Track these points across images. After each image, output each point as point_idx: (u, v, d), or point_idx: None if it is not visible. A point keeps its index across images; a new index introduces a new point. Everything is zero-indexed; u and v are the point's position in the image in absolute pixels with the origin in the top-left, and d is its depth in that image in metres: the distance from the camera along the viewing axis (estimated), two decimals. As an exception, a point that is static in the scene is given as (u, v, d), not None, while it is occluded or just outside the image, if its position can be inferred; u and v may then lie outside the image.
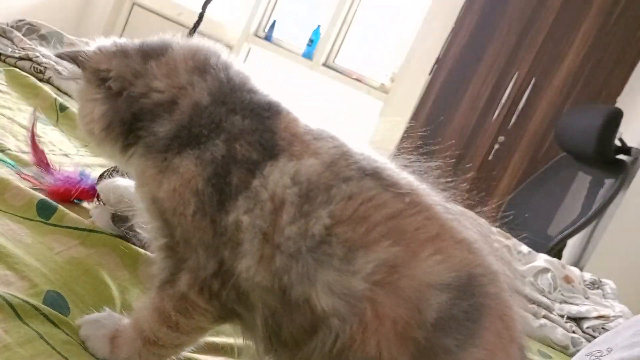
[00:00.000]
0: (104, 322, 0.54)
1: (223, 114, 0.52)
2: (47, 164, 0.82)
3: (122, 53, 0.59)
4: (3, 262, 0.56)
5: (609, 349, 0.62)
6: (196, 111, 0.53)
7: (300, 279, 0.45)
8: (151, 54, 0.58)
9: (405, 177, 0.52)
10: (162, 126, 0.54)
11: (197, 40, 0.61)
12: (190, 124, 0.52)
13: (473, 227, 0.52)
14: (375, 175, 0.49)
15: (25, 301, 0.50)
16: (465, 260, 0.47)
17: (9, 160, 0.83)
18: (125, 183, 0.71)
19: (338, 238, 0.45)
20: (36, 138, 0.84)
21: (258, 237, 0.47)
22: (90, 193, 0.79)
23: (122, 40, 0.62)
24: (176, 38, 0.61)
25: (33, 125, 0.84)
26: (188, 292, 0.50)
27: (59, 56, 0.61)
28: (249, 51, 3.85)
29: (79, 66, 0.59)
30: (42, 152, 0.83)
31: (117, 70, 0.57)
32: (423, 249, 0.46)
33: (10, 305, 0.49)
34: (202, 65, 0.57)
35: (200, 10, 0.92)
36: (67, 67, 0.62)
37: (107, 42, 0.61)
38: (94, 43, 0.61)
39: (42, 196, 0.71)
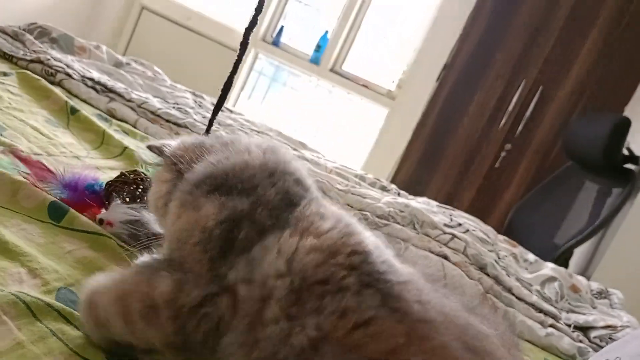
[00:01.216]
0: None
1: (262, 181, 0.53)
2: (49, 170, 0.81)
3: (199, 144, 0.62)
4: (16, 260, 0.57)
5: (618, 358, 0.61)
6: (242, 165, 0.55)
7: None
8: (226, 142, 0.61)
9: (424, 296, 0.43)
10: (203, 167, 0.56)
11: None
12: (232, 172, 0.54)
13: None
14: (381, 287, 0.42)
15: (38, 298, 0.51)
16: None
17: (23, 168, 0.83)
18: None
19: (322, 358, 0.40)
20: (22, 154, 0.83)
21: (247, 319, 0.44)
22: (98, 207, 0.79)
23: (204, 137, 0.66)
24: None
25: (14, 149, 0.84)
26: (162, 306, 0.47)
27: (149, 148, 0.65)
28: (256, 56, 3.88)
29: (161, 155, 0.63)
30: (38, 162, 0.83)
31: (188, 156, 0.60)
32: None
33: (24, 302, 0.49)
34: (267, 148, 0.60)
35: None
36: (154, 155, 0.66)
37: (190, 138, 0.66)
38: (178, 138, 0.66)
39: (53, 198, 0.72)
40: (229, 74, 0.90)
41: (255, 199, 0.51)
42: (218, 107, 0.93)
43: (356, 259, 0.45)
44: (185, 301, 0.47)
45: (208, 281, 0.48)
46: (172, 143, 0.64)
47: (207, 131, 0.96)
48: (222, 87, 0.94)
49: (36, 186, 0.73)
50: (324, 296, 0.42)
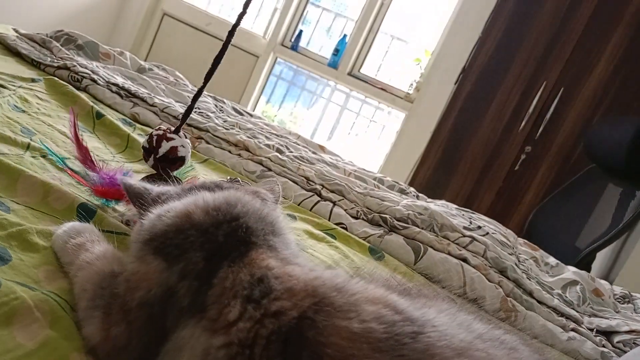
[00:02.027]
0: None
1: (192, 243, 0.50)
2: (92, 161, 0.85)
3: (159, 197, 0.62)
4: (47, 260, 0.59)
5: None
6: (180, 223, 0.52)
7: None
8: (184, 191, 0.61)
9: None
10: (153, 219, 0.54)
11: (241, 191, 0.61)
12: (171, 233, 0.51)
13: None
14: None
15: (66, 299, 0.53)
16: None
17: (56, 155, 0.87)
18: None
19: None
20: (79, 136, 0.87)
21: None
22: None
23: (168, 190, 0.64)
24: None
25: (75, 125, 0.87)
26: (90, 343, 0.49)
27: (126, 188, 0.64)
28: (275, 60, 3.91)
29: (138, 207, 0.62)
30: (87, 149, 0.86)
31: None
32: None
33: (55, 301, 0.51)
34: (222, 200, 0.56)
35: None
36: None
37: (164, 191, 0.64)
38: (155, 189, 0.65)
39: (83, 200, 0.75)
40: (212, 64, 0.92)
41: (183, 267, 0.48)
42: (196, 97, 0.96)
43: (279, 346, 0.40)
44: (111, 347, 0.48)
45: (141, 336, 0.47)
46: (151, 195, 0.62)
47: (180, 125, 0.97)
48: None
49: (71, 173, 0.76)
50: None
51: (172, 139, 0.89)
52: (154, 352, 0.46)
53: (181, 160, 0.90)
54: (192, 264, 0.48)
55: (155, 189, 0.65)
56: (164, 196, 0.62)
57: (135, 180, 0.67)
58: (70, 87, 1.34)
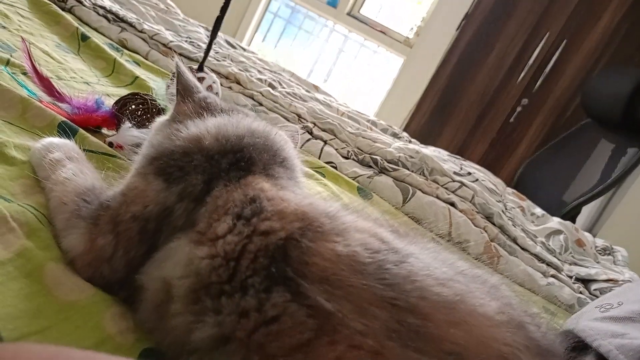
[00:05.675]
0: None
1: (196, 167, 0.51)
2: (59, 92, 0.81)
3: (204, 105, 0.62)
4: (24, 175, 0.57)
5: (620, 303, 0.62)
6: (189, 146, 0.53)
7: None
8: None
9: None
10: (164, 138, 0.55)
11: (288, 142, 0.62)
12: (178, 155, 0.52)
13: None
14: (291, 285, 0.38)
15: (43, 213, 0.52)
16: None
17: (28, 89, 0.83)
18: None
19: (227, 355, 0.38)
20: (38, 69, 0.82)
21: (154, 309, 0.45)
22: (110, 120, 0.80)
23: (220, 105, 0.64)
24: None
25: (30, 56, 0.81)
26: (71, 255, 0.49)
27: (179, 73, 0.64)
28: (272, -3, 3.76)
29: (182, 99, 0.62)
30: (49, 80, 0.82)
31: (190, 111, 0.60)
32: None
33: (32, 213, 0.50)
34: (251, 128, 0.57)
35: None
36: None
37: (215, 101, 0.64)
38: (203, 92, 0.65)
39: (63, 118, 0.72)
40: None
41: (183, 189, 0.49)
42: (213, 35, 0.92)
43: (264, 262, 0.40)
44: (93, 258, 0.48)
45: (134, 251, 0.48)
46: (198, 96, 0.63)
47: (203, 61, 0.94)
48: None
49: (45, 104, 0.73)
50: (220, 296, 0.40)
51: (203, 77, 0.85)
52: (138, 264, 0.47)
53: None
54: (191, 186, 0.49)
55: (203, 92, 0.65)
56: (206, 102, 0.63)
57: (189, 71, 0.66)
58: (54, 6, 1.27)
